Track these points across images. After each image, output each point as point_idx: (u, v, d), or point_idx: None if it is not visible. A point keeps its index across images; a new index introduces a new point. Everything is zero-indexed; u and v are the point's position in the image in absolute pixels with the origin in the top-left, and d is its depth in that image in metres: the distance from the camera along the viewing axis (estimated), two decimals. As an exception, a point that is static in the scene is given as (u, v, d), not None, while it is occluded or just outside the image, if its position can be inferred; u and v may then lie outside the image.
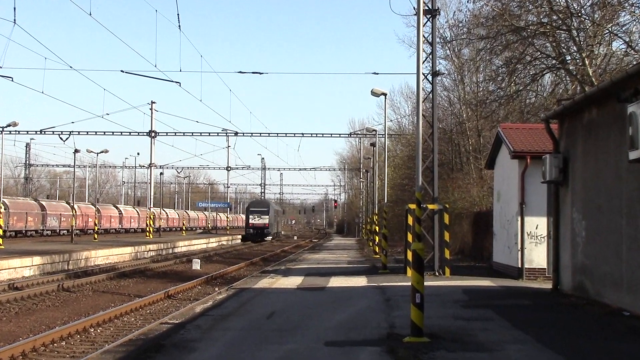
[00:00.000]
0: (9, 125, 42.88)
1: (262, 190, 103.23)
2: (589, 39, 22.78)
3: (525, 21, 24.08)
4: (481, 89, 36.46)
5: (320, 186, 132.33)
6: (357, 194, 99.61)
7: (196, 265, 31.05)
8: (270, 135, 60.55)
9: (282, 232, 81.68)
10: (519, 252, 19.75)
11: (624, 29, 22.41)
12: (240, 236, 69.08)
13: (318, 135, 60.51)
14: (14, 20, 24.79)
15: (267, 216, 66.71)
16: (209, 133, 59.87)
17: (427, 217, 23.00)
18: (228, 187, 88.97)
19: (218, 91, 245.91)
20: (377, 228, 38.08)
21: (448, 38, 34.22)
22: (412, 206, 21.32)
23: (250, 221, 66.44)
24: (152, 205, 57.43)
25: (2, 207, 40.42)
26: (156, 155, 57.21)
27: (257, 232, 66.13)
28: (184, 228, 75.99)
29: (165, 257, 38.52)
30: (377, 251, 36.62)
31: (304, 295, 16.56)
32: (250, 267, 32.67)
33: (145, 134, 56.35)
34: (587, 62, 22.85)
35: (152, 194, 58.02)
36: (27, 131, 56.52)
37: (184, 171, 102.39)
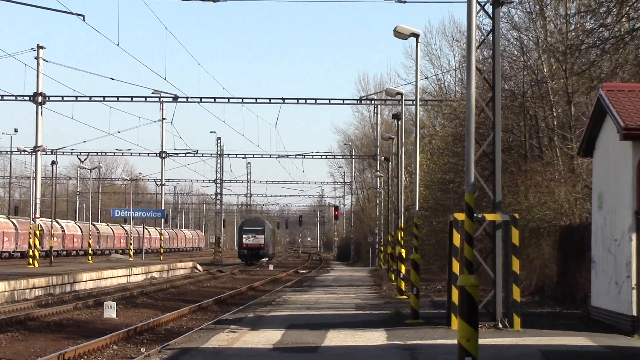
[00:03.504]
0: None
1: (218, 191, 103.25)
2: None
3: None
4: (573, 26, 36.42)
5: (313, 184, 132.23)
6: (371, 196, 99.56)
7: (110, 311, 31.04)
8: (231, 101, 60.57)
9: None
10: (634, 291, 19.73)
11: None
12: (181, 265, 69.99)
13: (308, 101, 60.38)
14: None
15: (263, 235, 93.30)
16: (132, 98, 59.84)
17: (485, 235, 22.95)
18: (163, 184, 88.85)
19: (146, 30, 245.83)
20: (403, 252, 38.02)
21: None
22: (460, 216, 21.26)
23: (244, 241, 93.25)
24: (38, 215, 57.30)
25: None
26: (46, 133, 57.06)
27: (252, 253, 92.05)
28: (90, 251, 75.77)
29: (59, 298, 38.38)
30: (404, 289, 36.60)
31: (285, 361, 16.50)
32: (198, 313, 32.64)
33: (27, 98, 56.18)
34: None
35: (38, 195, 57.90)
36: None
37: (92, 159, 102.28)
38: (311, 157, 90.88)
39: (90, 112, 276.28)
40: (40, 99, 55.19)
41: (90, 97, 59.26)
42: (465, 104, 15.11)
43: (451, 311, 21.58)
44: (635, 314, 19.74)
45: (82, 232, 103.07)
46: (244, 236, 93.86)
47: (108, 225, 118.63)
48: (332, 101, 61.47)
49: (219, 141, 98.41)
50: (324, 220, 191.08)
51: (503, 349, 17.38)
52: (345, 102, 66.51)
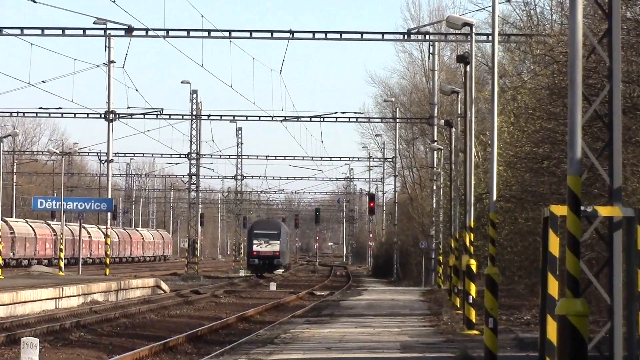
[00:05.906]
0: None
1: (194, 171, 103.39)
2: None
3: None
4: None
5: (336, 161, 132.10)
6: (424, 179, 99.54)
7: (30, 352, 31.23)
8: (214, 35, 60.55)
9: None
10: None
11: None
12: (138, 282, 70.17)
13: (329, 35, 60.17)
14: None
15: (278, 241, 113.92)
16: (64, 30, 59.87)
17: (597, 238, 22.57)
18: (110, 160, 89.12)
19: None
20: (473, 264, 37.81)
21: None
22: (560, 210, 20.88)
23: (255, 248, 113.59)
24: None
25: None
26: None
27: (264, 262, 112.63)
28: (0, 261, 75.98)
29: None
30: (474, 320, 36.87)
31: None
32: (163, 356, 33.47)
33: None
34: None
35: None
36: None
37: (3, 122, 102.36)
38: (334, 120, 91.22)
39: (2, 52, 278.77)
40: None
41: (0, 28, 59.24)
42: (567, 41, 14.57)
43: (546, 354, 21.34)
44: None
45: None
46: (255, 242, 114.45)
47: (27, 223, 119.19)
48: (365, 36, 61.40)
49: (194, 96, 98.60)
50: (353, 216, 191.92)
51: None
52: (386, 37, 66.43)
